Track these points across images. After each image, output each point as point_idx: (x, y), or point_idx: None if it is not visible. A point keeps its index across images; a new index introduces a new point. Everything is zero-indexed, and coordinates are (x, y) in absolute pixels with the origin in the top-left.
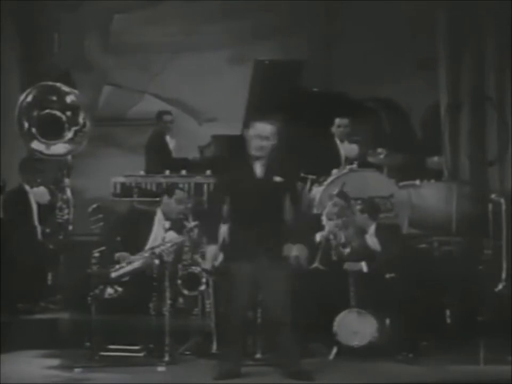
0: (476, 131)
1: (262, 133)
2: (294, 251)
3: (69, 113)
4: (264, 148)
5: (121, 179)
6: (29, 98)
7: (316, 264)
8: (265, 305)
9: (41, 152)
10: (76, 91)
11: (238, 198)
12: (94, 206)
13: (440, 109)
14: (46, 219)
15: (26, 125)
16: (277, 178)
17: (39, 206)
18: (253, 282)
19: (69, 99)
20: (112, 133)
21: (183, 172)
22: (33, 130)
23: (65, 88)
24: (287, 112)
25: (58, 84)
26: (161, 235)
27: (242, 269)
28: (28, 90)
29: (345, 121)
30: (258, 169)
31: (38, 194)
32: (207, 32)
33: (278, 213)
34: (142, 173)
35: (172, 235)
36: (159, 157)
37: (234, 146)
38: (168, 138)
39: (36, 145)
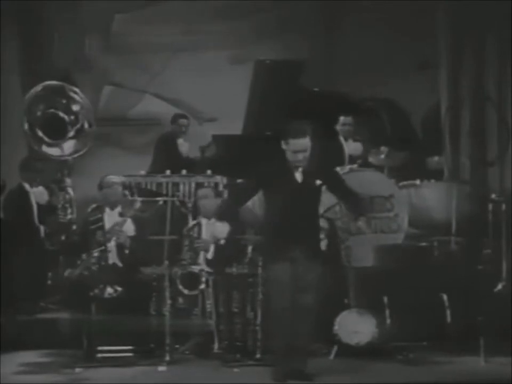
0: (476, 131)
1: (299, 148)
2: None
3: (73, 114)
4: (303, 159)
5: (122, 179)
6: (34, 98)
7: None
8: (296, 305)
9: (49, 155)
10: (80, 92)
11: (279, 201)
12: (94, 206)
13: (440, 109)
14: (46, 219)
15: (29, 126)
16: (317, 182)
17: (39, 206)
18: (291, 283)
19: (74, 100)
20: (112, 133)
21: (184, 172)
22: (40, 133)
23: (70, 89)
24: (287, 112)
25: (63, 84)
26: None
27: (282, 270)
28: (33, 90)
29: (349, 119)
30: (298, 176)
31: (37, 194)
32: (207, 32)
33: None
34: (142, 173)
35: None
36: (167, 158)
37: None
38: (181, 141)
39: (44, 148)
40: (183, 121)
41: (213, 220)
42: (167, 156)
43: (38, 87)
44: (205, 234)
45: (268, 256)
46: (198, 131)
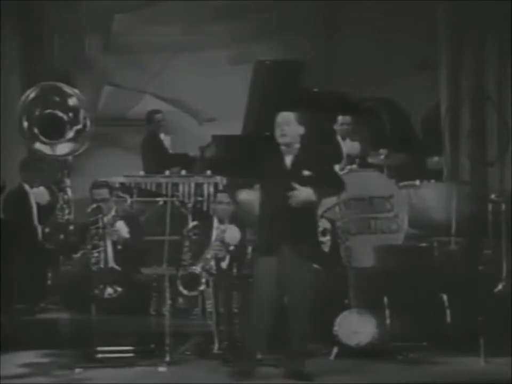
0: (476, 131)
1: (283, 120)
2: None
3: (70, 113)
4: (287, 134)
5: (121, 179)
6: (31, 98)
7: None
8: (285, 302)
9: (43, 153)
10: (77, 91)
11: (269, 187)
12: (94, 206)
13: (440, 109)
14: (46, 219)
15: (27, 125)
16: (306, 172)
17: (39, 206)
18: (277, 277)
19: (71, 99)
20: (112, 133)
21: (183, 172)
22: (35, 130)
23: (67, 89)
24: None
25: (60, 84)
26: None
27: (269, 262)
28: (30, 90)
29: (347, 118)
30: (288, 161)
31: (37, 194)
32: (207, 32)
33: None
34: (141, 173)
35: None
36: (156, 156)
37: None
38: (162, 136)
39: (38, 146)
40: (158, 116)
41: (225, 225)
42: (156, 155)
43: (34, 88)
44: (214, 239)
45: (257, 250)
46: (198, 131)
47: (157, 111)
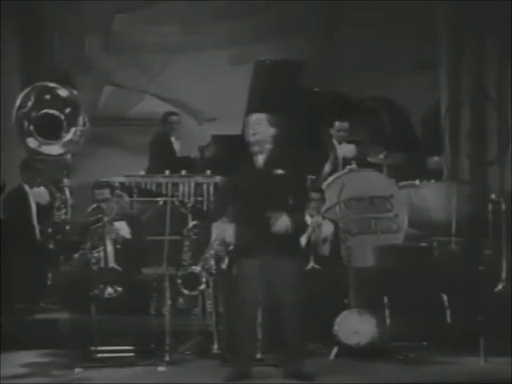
0: (476, 131)
1: (255, 120)
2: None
3: (67, 111)
4: (257, 133)
5: (121, 179)
6: (26, 100)
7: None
8: (268, 303)
9: (38, 151)
10: (72, 90)
11: (242, 190)
12: (94, 206)
13: (440, 109)
14: (45, 219)
15: (25, 125)
16: (279, 171)
17: (39, 206)
18: (258, 279)
19: (63, 98)
20: (112, 133)
21: (183, 172)
22: (31, 128)
23: (60, 87)
24: (287, 112)
25: (52, 84)
26: None
27: (248, 265)
28: (24, 92)
29: (345, 124)
30: (260, 161)
31: (38, 194)
32: (208, 32)
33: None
34: (142, 173)
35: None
36: (163, 157)
37: (237, 145)
38: (173, 139)
39: (36, 146)
40: (173, 118)
41: (225, 225)
42: (163, 156)
43: (27, 89)
44: (214, 239)
45: (235, 251)
46: (198, 131)
47: (173, 113)
